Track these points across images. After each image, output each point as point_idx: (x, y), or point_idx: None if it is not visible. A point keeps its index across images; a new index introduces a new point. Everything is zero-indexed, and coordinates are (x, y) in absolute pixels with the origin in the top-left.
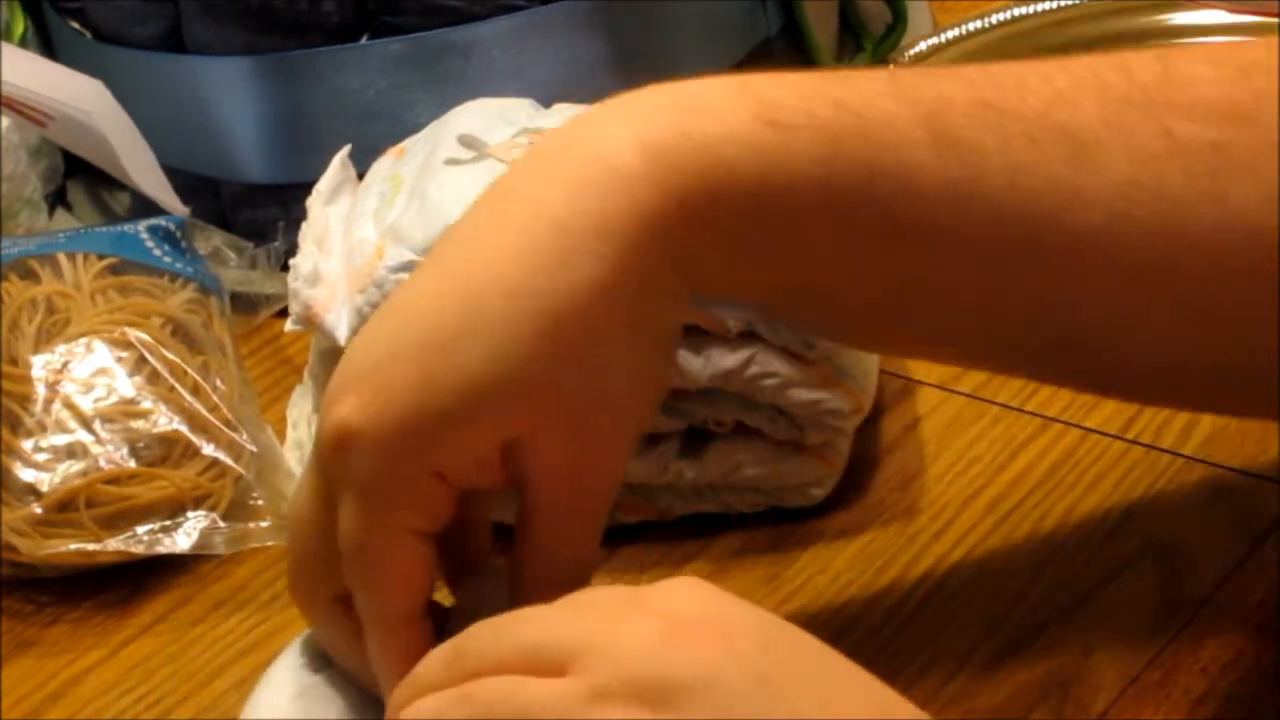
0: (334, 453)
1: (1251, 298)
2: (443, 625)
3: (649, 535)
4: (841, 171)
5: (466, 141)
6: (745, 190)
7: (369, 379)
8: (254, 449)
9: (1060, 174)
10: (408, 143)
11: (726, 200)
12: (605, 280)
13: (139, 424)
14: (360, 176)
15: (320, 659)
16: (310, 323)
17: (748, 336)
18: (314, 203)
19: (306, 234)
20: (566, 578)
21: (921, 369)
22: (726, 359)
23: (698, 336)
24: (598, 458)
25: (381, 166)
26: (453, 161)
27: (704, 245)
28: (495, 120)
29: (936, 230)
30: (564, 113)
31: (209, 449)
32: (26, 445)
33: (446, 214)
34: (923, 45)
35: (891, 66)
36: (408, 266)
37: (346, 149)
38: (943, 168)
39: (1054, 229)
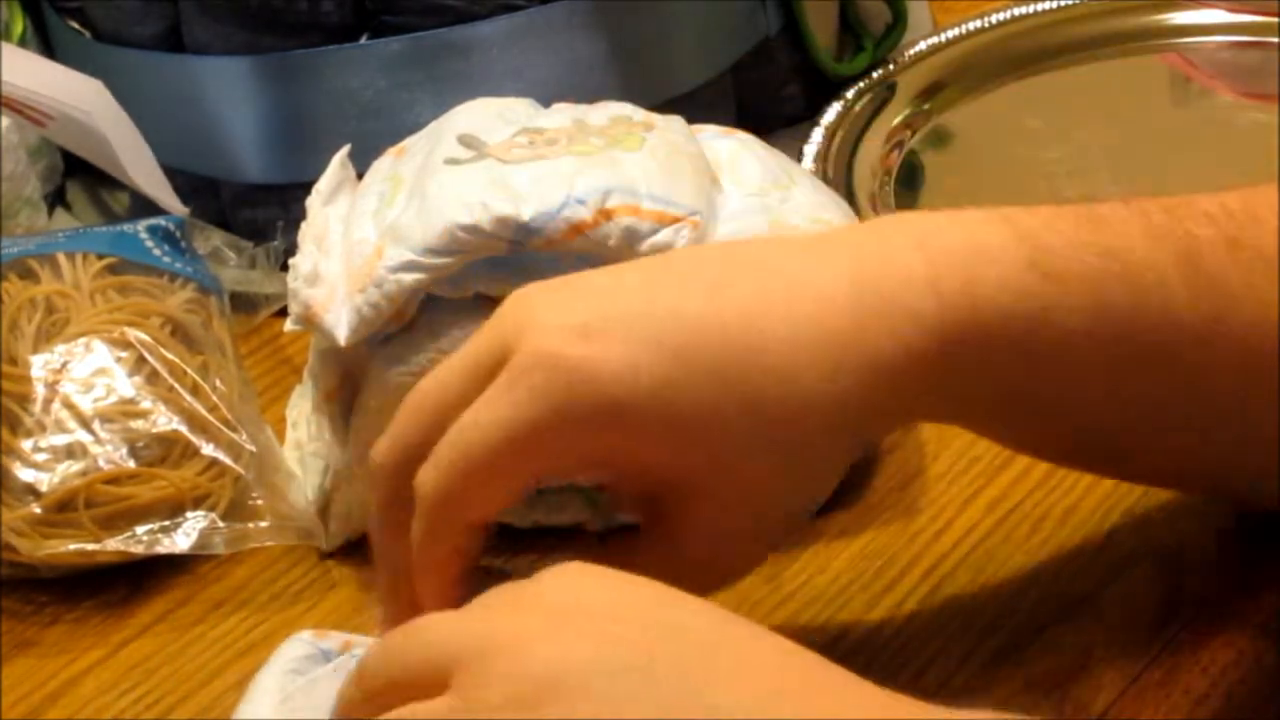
0: (542, 364)
1: None
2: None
3: None
4: (1108, 320)
5: (466, 141)
6: (1014, 338)
7: (622, 335)
8: (253, 449)
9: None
10: (408, 142)
11: (997, 345)
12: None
13: (138, 424)
14: (360, 176)
15: (308, 661)
16: (310, 322)
17: None
18: (313, 202)
19: (306, 234)
20: None
21: None
22: None
23: None
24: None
25: (381, 166)
26: (452, 161)
27: (954, 383)
28: (495, 120)
29: (1188, 361)
30: (563, 112)
31: (208, 449)
32: (26, 445)
33: (446, 214)
34: (923, 45)
35: (1138, 204)
36: (407, 266)
37: (346, 149)
38: (1194, 303)
39: None
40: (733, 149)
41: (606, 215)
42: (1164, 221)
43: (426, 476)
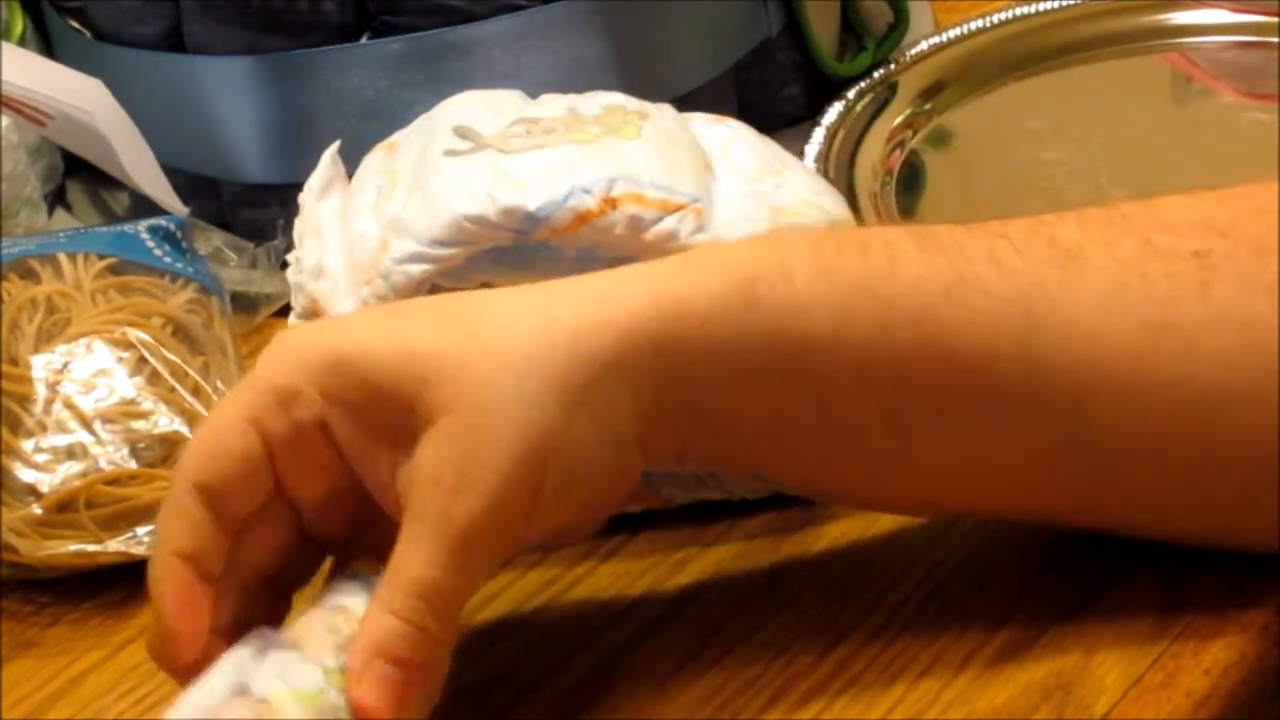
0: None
1: (1248, 392)
2: None
3: (648, 538)
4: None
5: (462, 133)
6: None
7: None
8: None
9: (1051, 275)
10: (397, 137)
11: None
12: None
13: (139, 424)
14: (352, 175)
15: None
16: (316, 316)
17: None
18: (306, 198)
19: (302, 230)
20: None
21: None
22: None
23: None
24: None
25: (373, 161)
26: (451, 153)
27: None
28: (486, 111)
29: (931, 327)
30: (555, 101)
31: None
32: (26, 446)
33: (451, 205)
34: (924, 45)
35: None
36: (414, 258)
37: (336, 145)
38: (930, 266)
39: (1047, 324)
40: (725, 136)
41: (612, 204)
42: (911, 226)
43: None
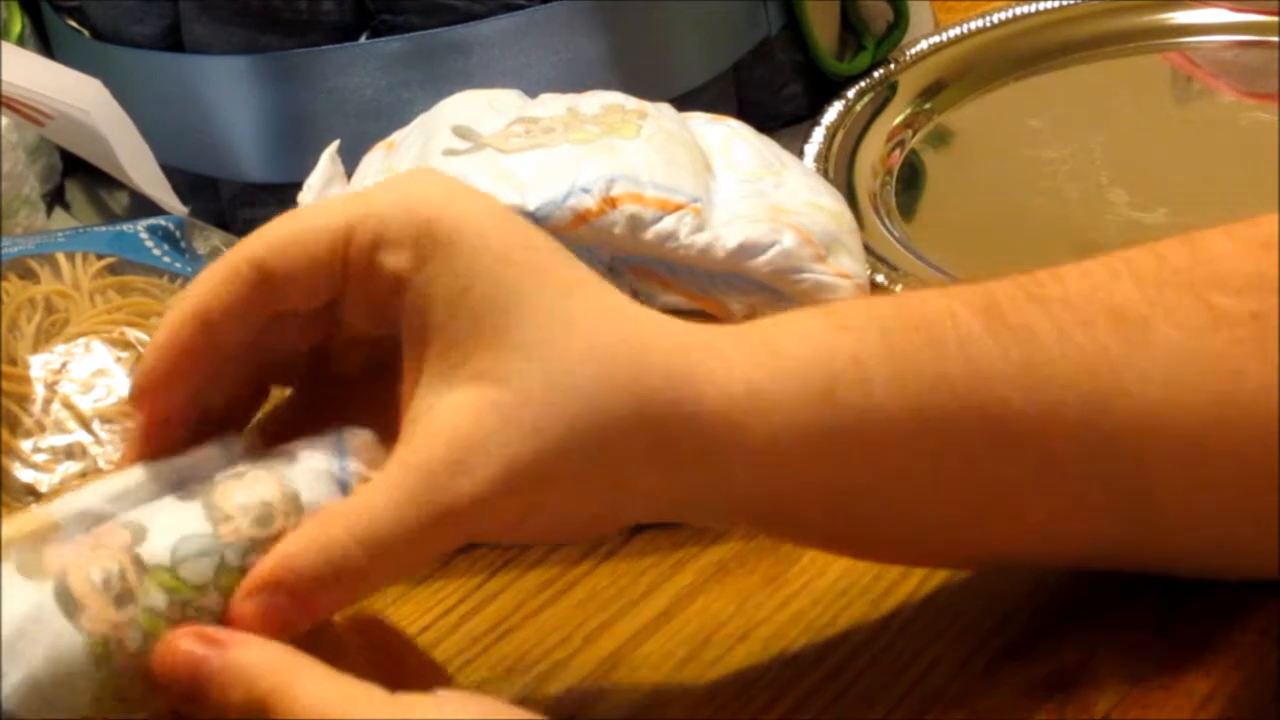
0: None
1: None
2: None
3: (648, 538)
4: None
5: (461, 132)
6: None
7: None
8: None
9: (1116, 350)
10: (396, 136)
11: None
12: None
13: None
14: (351, 174)
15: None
16: None
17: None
18: (306, 198)
19: None
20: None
21: None
22: None
23: (703, 321)
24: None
25: (373, 161)
26: (450, 152)
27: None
28: (485, 111)
29: (1006, 415)
30: (554, 101)
31: None
32: (25, 446)
33: None
34: (924, 44)
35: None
36: None
37: (335, 144)
38: (999, 352)
39: (1115, 406)
40: (724, 135)
41: (611, 203)
42: (957, 286)
43: None
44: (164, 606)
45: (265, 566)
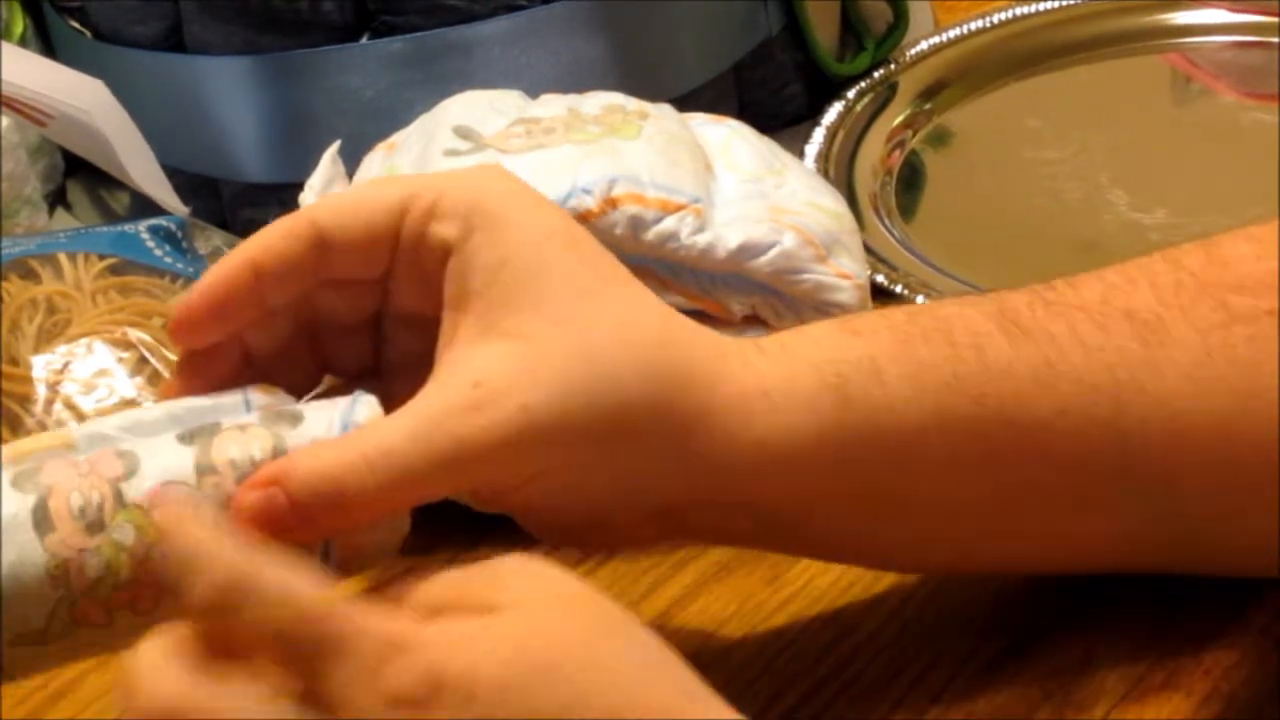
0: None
1: None
2: None
3: None
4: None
5: (462, 133)
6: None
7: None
8: None
9: (1134, 350)
10: (397, 137)
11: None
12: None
13: None
14: (351, 176)
15: None
16: None
17: (751, 320)
18: (306, 198)
19: None
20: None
21: None
22: None
23: (703, 321)
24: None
25: (374, 161)
26: (451, 153)
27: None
28: (486, 111)
29: (1025, 416)
30: (555, 101)
31: None
32: None
33: None
34: (924, 45)
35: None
36: None
37: (336, 144)
38: (1017, 355)
39: (1136, 405)
40: (725, 136)
41: (612, 204)
42: (970, 296)
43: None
44: (130, 542)
45: (274, 465)
